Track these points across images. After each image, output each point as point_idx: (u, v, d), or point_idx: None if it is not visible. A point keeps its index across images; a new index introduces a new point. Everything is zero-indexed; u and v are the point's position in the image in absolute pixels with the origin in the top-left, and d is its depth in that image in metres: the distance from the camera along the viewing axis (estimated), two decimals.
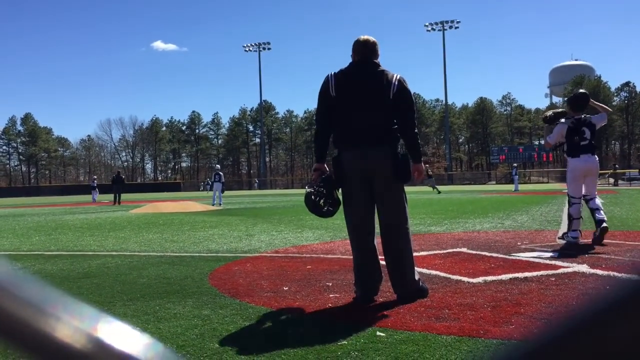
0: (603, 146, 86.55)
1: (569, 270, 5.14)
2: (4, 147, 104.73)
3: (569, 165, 7.21)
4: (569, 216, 7.17)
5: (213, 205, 22.37)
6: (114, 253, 7.37)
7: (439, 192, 32.02)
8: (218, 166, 27.82)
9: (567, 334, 0.23)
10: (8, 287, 0.23)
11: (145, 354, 0.24)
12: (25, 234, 10.88)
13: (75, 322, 0.24)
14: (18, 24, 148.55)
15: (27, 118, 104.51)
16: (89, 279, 5.35)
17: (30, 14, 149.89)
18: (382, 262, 4.14)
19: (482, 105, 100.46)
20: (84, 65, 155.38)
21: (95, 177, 49.77)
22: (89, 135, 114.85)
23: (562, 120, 7.33)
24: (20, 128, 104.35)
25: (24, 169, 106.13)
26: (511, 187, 39.60)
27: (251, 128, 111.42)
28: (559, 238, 7.46)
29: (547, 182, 70.79)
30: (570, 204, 7.18)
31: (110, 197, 31.09)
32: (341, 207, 4.23)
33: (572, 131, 7.11)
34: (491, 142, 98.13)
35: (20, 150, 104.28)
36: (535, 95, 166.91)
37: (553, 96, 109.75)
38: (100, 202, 32.49)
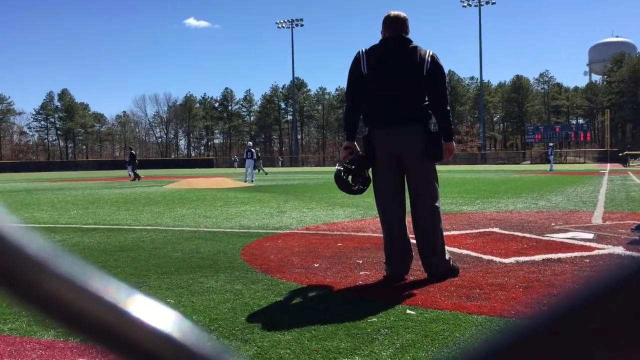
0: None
1: (604, 251, 5.05)
2: (43, 123, 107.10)
3: None
4: None
5: (245, 182, 22.52)
6: (148, 227, 7.52)
7: (266, 173, 30.02)
8: (250, 143, 27.83)
9: (568, 312, 0.23)
10: (42, 261, 0.24)
11: (176, 330, 0.25)
12: (63, 208, 11.16)
13: (105, 295, 0.25)
14: (55, 4, 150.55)
15: (64, 94, 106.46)
16: (125, 252, 5.47)
17: None
18: (413, 241, 4.14)
19: (518, 83, 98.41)
20: (119, 43, 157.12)
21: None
22: (124, 111, 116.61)
23: None
24: (57, 104, 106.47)
25: (61, 144, 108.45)
26: (546, 167, 38.94)
27: (283, 105, 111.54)
28: (632, 229, 6.50)
29: (584, 162, 69.34)
30: None
31: (125, 173, 31.50)
32: (371, 185, 4.22)
33: None
34: (527, 121, 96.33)
35: (57, 126, 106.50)
36: (574, 74, 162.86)
37: (592, 74, 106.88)
38: (120, 178, 32.81)
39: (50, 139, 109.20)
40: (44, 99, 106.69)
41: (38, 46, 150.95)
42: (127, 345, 0.24)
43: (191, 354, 0.24)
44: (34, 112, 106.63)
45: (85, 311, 0.24)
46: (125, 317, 0.24)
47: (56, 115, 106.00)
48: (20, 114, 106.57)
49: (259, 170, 28.60)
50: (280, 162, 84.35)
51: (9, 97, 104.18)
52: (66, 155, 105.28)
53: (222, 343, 2.76)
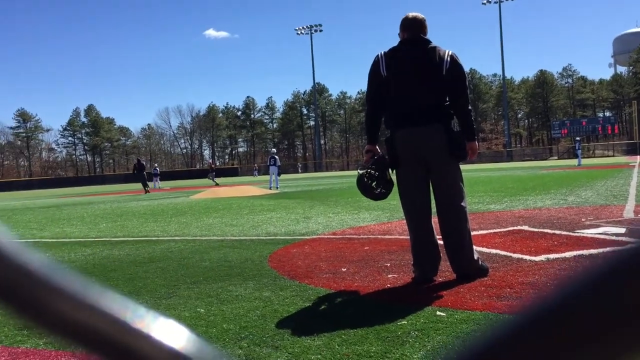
0: None
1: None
2: (70, 138, 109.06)
3: None
4: None
5: (270, 189, 22.58)
6: (176, 238, 7.59)
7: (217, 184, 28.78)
8: (274, 150, 27.91)
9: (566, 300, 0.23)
10: (43, 276, 0.25)
11: (190, 350, 0.26)
12: (93, 221, 11.34)
13: (106, 308, 0.25)
14: (76, 22, 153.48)
15: (90, 109, 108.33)
16: (154, 263, 5.54)
17: (88, 11, 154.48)
18: (441, 242, 4.11)
19: (542, 78, 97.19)
20: (141, 57, 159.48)
21: (157, 164, 50.79)
22: (149, 124, 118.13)
23: None
24: (84, 119, 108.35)
25: (89, 158, 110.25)
26: (574, 161, 38.35)
27: (305, 111, 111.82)
28: None
29: (613, 156, 68.09)
30: None
31: (134, 186, 30.52)
32: (396, 188, 4.20)
33: None
34: (552, 116, 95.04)
35: (85, 141, 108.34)
36: (599, 66, 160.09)
37: (617, 66, 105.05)
38: (132, 191, 32.32)
39: (78, 154, 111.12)
40: (71, 115, 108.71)
41: (63, 64, 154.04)
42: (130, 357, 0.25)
43: None
44: (61, 129, 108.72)
45: (85, 324, 0.24)
46: (129, 331, 0.25)
47: (83, 131, 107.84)
48: (48, 130, 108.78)
49: (214, 182, 28.25)
50: (299, 169, 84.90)
51: (36, 115, 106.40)
52: (94, 169, 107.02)
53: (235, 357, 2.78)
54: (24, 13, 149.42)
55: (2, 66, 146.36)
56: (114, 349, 0.24)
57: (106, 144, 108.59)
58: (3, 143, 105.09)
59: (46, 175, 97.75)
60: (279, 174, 23.75)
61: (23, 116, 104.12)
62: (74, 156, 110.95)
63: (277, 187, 22.89)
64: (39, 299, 0.24)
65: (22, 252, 0.24)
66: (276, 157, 24.17)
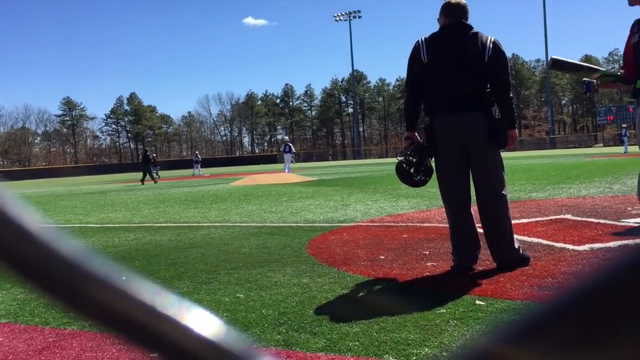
0: None
1: None
2: (114, 126, 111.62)
3: None
4: None
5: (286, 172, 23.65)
6: (216, 224, 7.70)
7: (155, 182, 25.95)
8: (287, 137, 28.79)
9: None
10: (75, 261, 0.25)
11: (220, 338, 0.26)
12: (136, 207, 11.59)
13: (139, 295, 0.26)
14: (118, 14, 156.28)
15: (132, 98, 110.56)
16: (195, 249, 5.63)
17: (129, 3, 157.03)
18: (480, 230, 4.05)
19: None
20: (181, 46, 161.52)
21: (197, 152, 51.37)
22: (189, 112, 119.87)
23: None
24: (126, 107, 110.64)
25: (132, 146, 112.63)
26: (620, 149, 37.27)
27: (343, 98, 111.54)
28: None
29: None
30: None
31: (176, 172, 29.54)
32: (435, 175, 4.16)
33: None
34: (598, 102, 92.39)
35: (127, 129, 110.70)
36: None
37: None
38: (187, 177, 32.19)
39: (122, 142, 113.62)
40: (114, 104, 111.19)
41: (106, 53, 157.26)
42: (159, 343, 0.25)
43: (226, 354, 0.25)
44: (105, 117, 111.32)
45: (118, 310, 0.25)
46: (160, 318, 0.25)
47: (126, 119, 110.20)
48: (92, 118, 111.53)
49: (156, 175, 26.49)
50: (329, 157, 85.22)
51: (81, 103, 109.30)
52: (137, 156, 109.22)
53: (254, 347, 2.81)
54: (70, 4, 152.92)
55: (48, 55, 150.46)
56: (145, 335, 0.25)
57: (148, 132, 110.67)
58: (50, 131, 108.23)
59: (91, 162, 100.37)
60: (292, 161, 24.73)
61: (69, 104, 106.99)
62: (117, 143, 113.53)
63: (289, 170, 24.08)
64: (73, 285, 0.24)
65: (59, 240, 0.24)
66: (290, 144, 25.11)
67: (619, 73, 3.76)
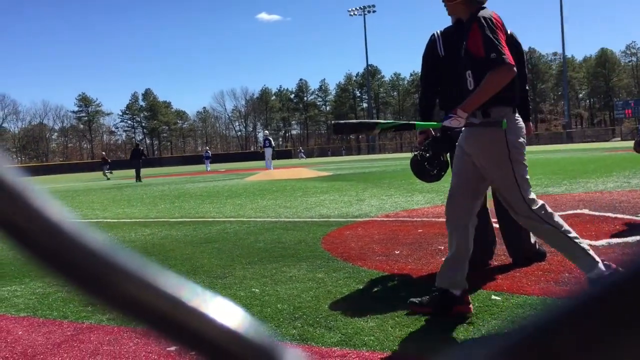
0: None
1: None
2: (129, 122, 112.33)
3: None
4: None
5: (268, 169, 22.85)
6: (232, 219, 7.73)
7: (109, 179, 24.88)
8: (267, 132, 28.02)
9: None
10: (104, 254, 0.25)
11: (244, 329, 0.26)
12: (152, 202, 11.67)
13: (173, 292, 0.26)
14: (133, 10, 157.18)
15: (147, 94, 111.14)
16: (210, 244, 5.66)
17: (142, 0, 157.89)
18: (496, 225, 4.03)
19: (604, 57, 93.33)
20: (196, 42, 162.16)
21: (208, 147, 51.15)
22: (204, 107, 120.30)
23: None
24: (142, 103, 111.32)
25: (147, 141, 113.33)
26: None
27: (358, 93, 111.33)
28: None
29: None
30: None
31: (127, 172, 26.63)
32: (450, 170, 4.13)
33: None
34: (615, 96, 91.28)
35: (143, 124, 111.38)
36: None
37: None
38: (190, 173, 32.43)
39: (137, 137, 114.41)
40: (129, 100, 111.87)
41: (120, 50, 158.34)
42: (187, 335, 0.25)
43: (250, 345, 0.25)
44: (121, 113, 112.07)
45: (144, 301, 0.25)
46: (185, 309, 0.26)
47: (141, 115, 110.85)
48: (108, 114, 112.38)
49: (106, 177, 24.82)
50: (343, 152, 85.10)
51: (97, 99, 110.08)
52: (152, 152, 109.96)
53: (277, 339, 2.81)
54: (83, 1, 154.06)
55: (64, 51, 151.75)
56: (170, 325, 0.25)
57: (164, 127, 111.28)
58: (67, 127, 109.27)
59: (107, 157, 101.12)
60: (273, 156, 24.15)
61: (84, 100, 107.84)
62: (133, 139, 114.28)
63: (270, 169, 22.97)
64: (100, 277, 0.25)
65: (85, 232, 0.25)
66: (270, 138, 24.52)
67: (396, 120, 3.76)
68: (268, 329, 0.26)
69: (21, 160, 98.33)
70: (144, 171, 25.39)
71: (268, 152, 24.34)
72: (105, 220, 8.85)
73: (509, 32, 3.93)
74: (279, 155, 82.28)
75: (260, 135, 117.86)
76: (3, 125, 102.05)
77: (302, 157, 67.41)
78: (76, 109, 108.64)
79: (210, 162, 40.49)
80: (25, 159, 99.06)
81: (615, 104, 79.31)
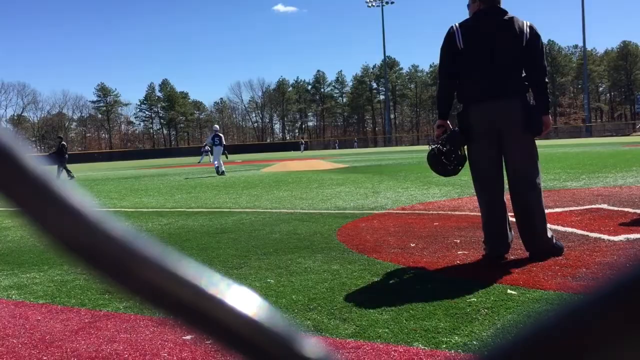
0: None
1: None
2: (147, 112, 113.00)
3: None
4: None
5: (219, 173, 18.30)
6: (248, 210, 7.76)
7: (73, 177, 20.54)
8: (216, 127, 21.49)
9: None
10: (126, 240, 0.26)
11: (262, 317, 0.26)
12: (169, 192, 11.76)
13: (193, 280, 0.26)
14: (152, 2, 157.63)
15: (164, 84, 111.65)
16: (226, 234, 5.69)
17: None
18: (513, 219, 4.00)
19: (626, 50, 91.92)
20: (213, 33, 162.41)
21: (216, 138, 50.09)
22: (221, 98, 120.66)
23: None
24: (159, 94, 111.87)
25: (165, 132, 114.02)
26: None
27: (375, 85, 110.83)
28: None
29: None
30: None
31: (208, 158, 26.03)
32: (467, 163, 4.10)
33: None
34: (636, 89, 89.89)
35: (160, 115, 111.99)
36: None
37: None
38: (205, 164, 30.94)
39: (155, 128, 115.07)
40: (147, 90, 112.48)
41: (139, 41, 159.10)
42: (205, 322, 0.25)
43: (269, 333, 0.26)
44: (139, 103, 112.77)
45: (164, 289, 0.25)
46: (204, 296, 0.26)
47: (159, 105, 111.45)
48: (126, 105, 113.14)
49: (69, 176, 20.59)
50: (355, 144, 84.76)
51: (115, 89, 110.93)
52: (169, 142, 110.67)
53: (294, 326, 2.82)
54: None
55: (83, 42, 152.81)
56: (191, 313, 0.25)
57: (181, 118, 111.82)
58: (85, 116, 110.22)
59: (125, 147, 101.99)
60: (224, 155, 19.43)
61: (103, 91, 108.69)
62: (151, 129, 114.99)
63: (223, 172, 18.26)
64: (122, 264, 0.25)
65: (107, 220, 0.25)
66: (221, 134, 19.79)
67: None
68: (286, 318, 0.26)
69: (40, 149, 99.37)
70: (163, 161, 25.21)
71: (217, 150, 19.16)
72: (123, 209, 8.93)
73: (528, 24, 3.89)
74: (295, 147, 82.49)
75: (277, 127, 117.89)
76: (23, 114, 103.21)
77: (302, 149, 66.88)
78: (95, 98, 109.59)
79: (210, 154, 29.72)
80: (44, 149, 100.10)
81: (637, 98, 78.17)
